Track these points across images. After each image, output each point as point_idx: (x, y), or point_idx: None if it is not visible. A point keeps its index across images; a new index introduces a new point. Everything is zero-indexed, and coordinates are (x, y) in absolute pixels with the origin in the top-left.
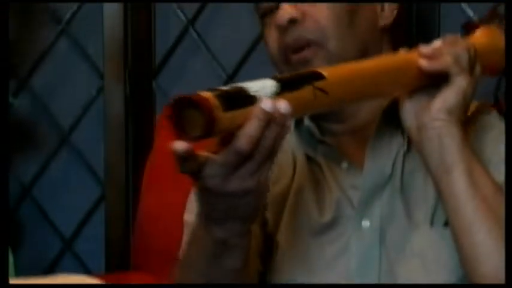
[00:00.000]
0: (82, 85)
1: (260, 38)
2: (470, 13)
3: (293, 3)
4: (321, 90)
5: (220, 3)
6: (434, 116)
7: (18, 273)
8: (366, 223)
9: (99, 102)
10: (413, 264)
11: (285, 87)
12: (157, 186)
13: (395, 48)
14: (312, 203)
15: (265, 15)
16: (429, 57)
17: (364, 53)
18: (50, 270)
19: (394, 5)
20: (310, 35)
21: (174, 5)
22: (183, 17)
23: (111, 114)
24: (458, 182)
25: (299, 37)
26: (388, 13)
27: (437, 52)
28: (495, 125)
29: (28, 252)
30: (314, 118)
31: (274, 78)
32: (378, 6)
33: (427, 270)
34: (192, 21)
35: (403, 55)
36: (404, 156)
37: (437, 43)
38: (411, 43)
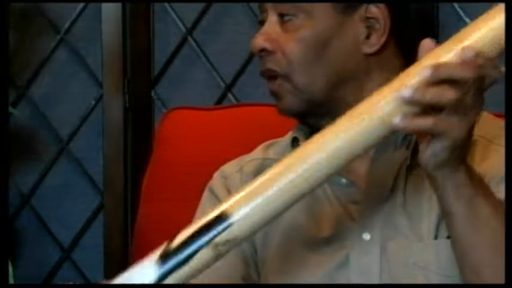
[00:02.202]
0: (81, 94)
1: None
2: (467, 20)
3: (266, 35)
4: (226, 242)
5: (218, 12)
6: (427, 170)
7: (17, 282)
8: (366, 236)
9: (98, 112)
10: (416, 276)
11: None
12: (156, 196)
13: (389, 71)
14: (308, 219)
15: (260, 22)
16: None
17: (339, 83)
18: (48, 279)
19: (384, 32)
20: (278, 68)
21: (173, 14)
22: (182, 26)
23: (110, 123)
24: (461, 227)
25: (268, 68)
26: (374, 40)
27: (416, 99)
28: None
29: (27, 261)
30: (307, 130)
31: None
32: (363, 33)
33: (430, 282)
34: (191, 31)
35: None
36: (407, 170)
37: (418, 80)
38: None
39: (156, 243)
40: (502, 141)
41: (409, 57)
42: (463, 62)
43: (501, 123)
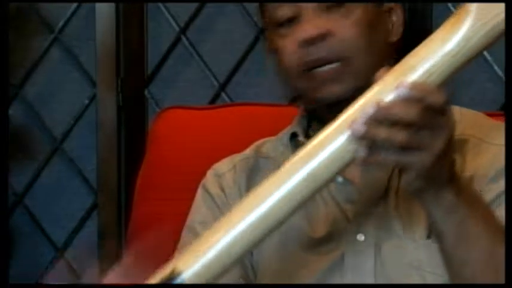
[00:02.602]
0: (74, 93)
1: (252, 47)
2: None
3: (313, 23)
4: None
5: (212, 12)
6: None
7: (11, 282)
8: (360, 237)
9: (92, 111)
10: (410, 276)
11: None
12: (150, 195)
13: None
14: (303, 219)
15: (282, 25)
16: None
17: (379, 66)
18: (42, 278)
19: (401, 21)
20: (333, 54)
21: (167, 13)
22: (175, 26)
23: (104, 122)
24: (451, 246)
25: (327, 53)
26: (396, 30)
27: (368, 137)
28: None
29: (20, 261)
30: (308, 132)
31: None
32: (389, 22)
33: (425, 281)
34: (184, 30)
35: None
36: (400, 171)
37: (366, 114)
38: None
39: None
40: (493, 139)
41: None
42: (403, 102)
43: (491, 121)
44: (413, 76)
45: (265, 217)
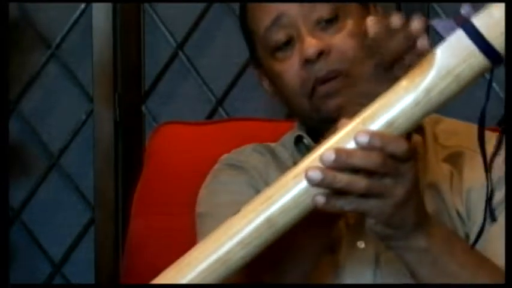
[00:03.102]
0: (71, 109)
1: (249, 62)
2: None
3: (315, 40)
4: None
5: (209, 27)
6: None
7: None
8: (361, 244)
9: (89, 126)
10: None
11: None
12: (147, 210)
13: None
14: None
15: (278, 50)
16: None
17: None
18: None
19: None
20: (339, 66)
21: (164, 29)
22: (172, 41)
23: (101, 138)
24: (427, 283)
25: (330, 69)
26: None
27: (327, 184)
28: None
29: (18, 276)
30: (314, 135)
31: None
32: None
33: None
34: (181, 46)
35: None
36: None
37: (324, 161)
38: None
39: (147, 257)
40: (489, 150)
41: None
42: (363, 149)
43: (487, 133)
44: (374, 125)
45: (222, 261)
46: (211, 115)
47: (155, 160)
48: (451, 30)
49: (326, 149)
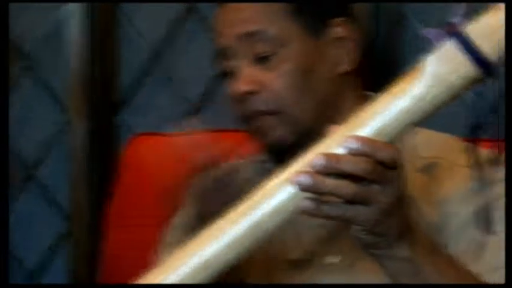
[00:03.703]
0: (46, 120)
1: (224, 74)
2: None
3: (246, 78)
4: None
5: (184, 38)
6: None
7: None
8: (335, 258)
9: (63, 138)
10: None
11: None
12: (121, 222)
13: (357, 88)
14: (280, 240)
15: (226, 75)
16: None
17: (324, 106)
18: None
19: (353, 50)
20: (266, 106)
21: (139, 40)
22: (147, 52)
23: (76, 149)
24: None
25: (261, 106)
26: (346, 59)
27: (314, 189)
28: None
29: None
30: (277, 159)
31: None
32: (336, 54)
33: None
34: (156, 57)
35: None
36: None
37: (312, 165)
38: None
39: (123, 268)
40: (463, 161)
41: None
42: (352, 155)
43: (462, 144)
44: (363, 131)
45: (207, 264)
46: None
47: (130, 171)
48: (442, 39)
49: (315, 153)
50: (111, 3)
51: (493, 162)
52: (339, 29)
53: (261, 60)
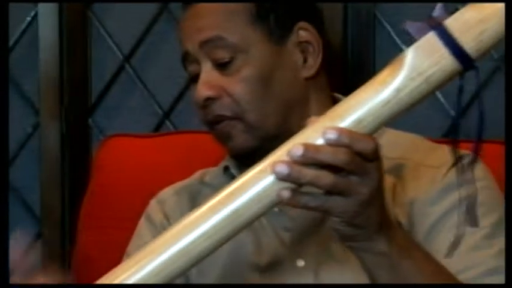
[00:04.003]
0: (18, 122)
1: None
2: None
3: (207, 83)
4: None
5: (155, 40)
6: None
7: None
8: (300, 262)
9: (35, 139)
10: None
11: None
12: (94, 224)
13: (324, 91)
14: (247, 247)
15: (193, 80)
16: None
17: (288, 112)
18: None
19: (318, 53)
20: (227, 111)
21: (110, 42)
22: (119, 54)
23: (47, 151)
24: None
25: (217, 114)
26: (311, 63)
27: (292, 178)
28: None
29: None
30: (241, 164)
31: None
32: (300, 58)
33: None
34: (127, 58)
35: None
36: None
37: (291, 155)
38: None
39: (94, 271)
40: (432, 161)
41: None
42: (331, 146)
43: (430, 144)
44: (343, 123)
45: (184, 251)
46: (158, 128)
47: (102, 173)
48: (423, 32)
49: (292, 145)
50: (81, 4)
51: (470, 162)
52: (303, 33)
53: (222, 65)
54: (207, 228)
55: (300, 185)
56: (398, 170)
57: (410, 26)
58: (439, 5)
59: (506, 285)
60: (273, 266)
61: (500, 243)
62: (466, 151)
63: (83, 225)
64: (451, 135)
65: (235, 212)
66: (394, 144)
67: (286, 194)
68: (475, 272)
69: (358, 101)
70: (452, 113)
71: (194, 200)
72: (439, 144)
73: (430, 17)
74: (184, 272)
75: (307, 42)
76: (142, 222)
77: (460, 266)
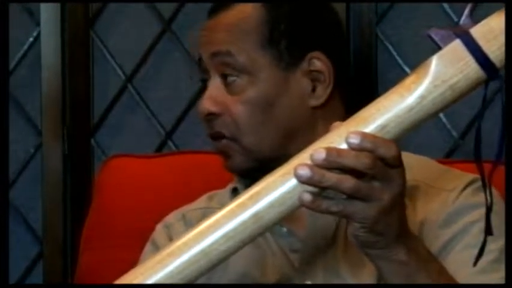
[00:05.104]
0: (20, 142)
1: (198, 95)
2: (407, 69)
3: (212, 98)
4: None
5: (158, 60)
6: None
7: None
8: (308, 283)
9: (37, 159)
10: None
11: None
12: (96, 244)
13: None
14: (254, 268)
15: (202, 81)
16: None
17: (288, 138)
18: None
19: (329, 83)
20: (225, 130)
21: (113, 62)
22: (121, 74)
23: (49, 171)
24: None
25: (216, 131)
26: (320, 92)
27: (314, 182)
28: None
29: None
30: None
31: None
32: (308, 87)
33: None
34: (130, 78)
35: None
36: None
37: (314, 159)
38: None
39: None
40: (443, 184)
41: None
42: (354, 150)
43: (441, 167)
44: (367, 128)
45: (204, 253)
46: (160, 148)
47: (104, 193)
48: (448, 40)
49: (316, 149)
50: (83, 24)
51: (477, 186)
52: (315, 62)
53: (228, 83)
54: (227, 230)
55: (322, 188)
56: (410, 192)
57: (436, 34)
58: (465, 14)
59: (506, 285)
60: (283, 285)
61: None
62: (475, 175)
63: (84, 245)
64: (453, 156)
65: (256, 214)
66: (406, 166)
67: (307, 197)
68: None
69: (383, 107)
70: (455, 133)
71: None
72: (450, 167)
73: (456, 25)
74: (203, 273)
75: (318, 71)
76: (148, 248)
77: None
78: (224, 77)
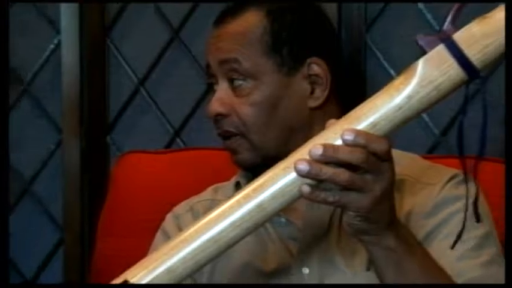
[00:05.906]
0: (42, 139)
1: (204, 96)
2: (392, 73)
3: (220, 100)
4: None
5: (167, 66)
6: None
7: None
8: (305, 270)
9: (58, 155)
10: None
11: None
12: (111, 232)
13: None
14: (255, 256)
15: (208, 84)
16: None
17: (290, 137)
18: None
19: (326, 86)
20: (234, 129)
21: (126, 67)
22: (134, 78)
23: (69, 166)
24: (390, 282)
25: (226, 130)
26: (318, 95)
27: (312, 175)
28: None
29: None
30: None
31: None
32: (307, 89)
33: None
34: (142, 82)
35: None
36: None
37: (312, 154)
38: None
39: (110, 273)
40: (428, 179)
41: (347, 107)
42: (349, 146)
43: (426, 163)
44: (360, 126)
45: (214, 240)
46: (169, 144)
47: (119, 186)
48: (433, 45)
49: (314, 143)
50: (100, 33)
51: (459, 180)
52: (314, 67)
53: (235, 87)
54: (235, 219)
55: (320, 181)
56: (398, 185)
57: (422, 40)
58: (448, 20)
59: (506, 285)
60: (280, 272)
61: (488, 254)
62: (457, 170)
63: (100, 233)
64: (435, 151)
65: (260, 205)
66: (394, 162)
67: (307, 189)
68: (460, 281)
69: (374, 106)
70: (436, 131)
71: None
72: (434, 163)
73: (440, 31)
74: (213, 259)
75: (316, 75)
76: (158, 236)
77: None
78: (231, 81)
